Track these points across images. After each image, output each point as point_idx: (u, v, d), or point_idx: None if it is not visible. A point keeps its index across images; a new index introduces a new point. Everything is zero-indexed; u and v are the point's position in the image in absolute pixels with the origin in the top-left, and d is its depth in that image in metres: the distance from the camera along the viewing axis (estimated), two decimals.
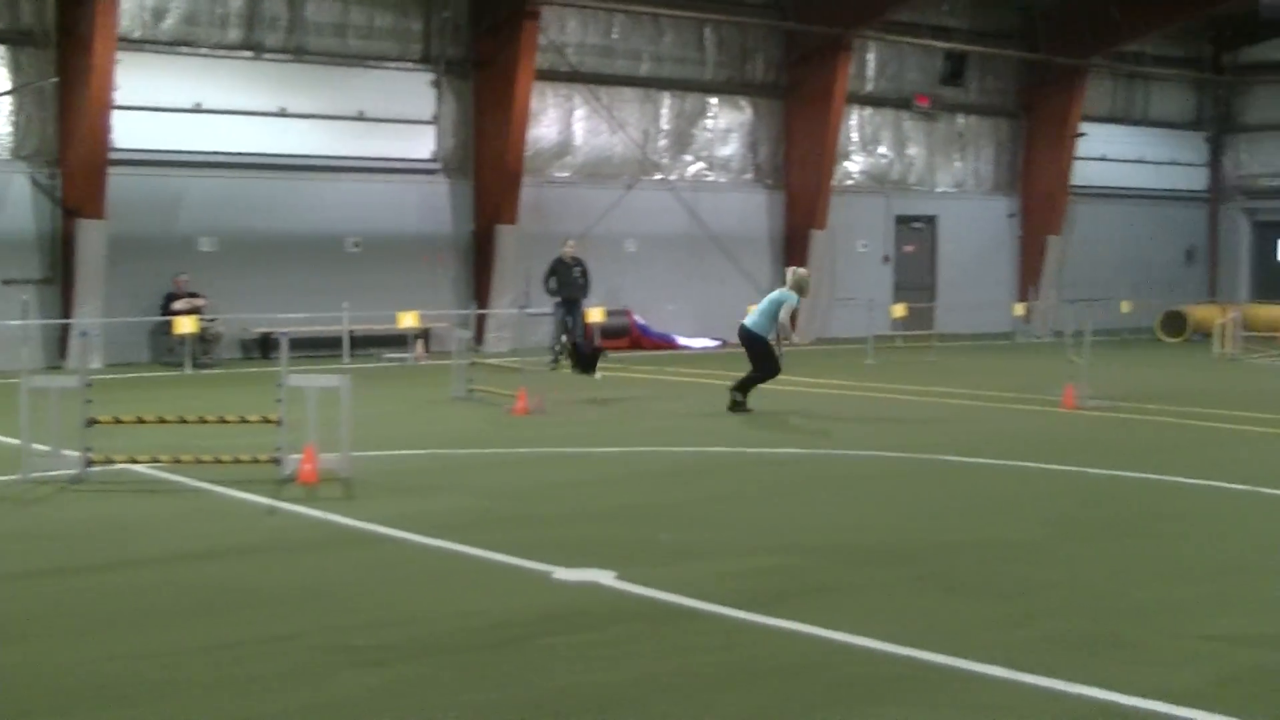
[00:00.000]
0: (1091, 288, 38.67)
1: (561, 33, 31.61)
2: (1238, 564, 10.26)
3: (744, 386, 19.43)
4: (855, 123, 36.35)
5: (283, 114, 28.31)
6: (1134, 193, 42.03)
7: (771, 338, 19.56)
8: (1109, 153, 41.11)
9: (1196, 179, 44.13)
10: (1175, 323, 37.16)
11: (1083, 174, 39.89)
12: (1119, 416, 19.36)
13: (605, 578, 9.36)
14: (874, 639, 7.93)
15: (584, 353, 22.33)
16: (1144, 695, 6.97)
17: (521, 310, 27.15)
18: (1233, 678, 7.38)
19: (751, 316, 19.79)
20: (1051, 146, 38.90)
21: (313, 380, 13.86)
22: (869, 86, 36.66)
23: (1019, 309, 36.05)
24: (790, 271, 20.26)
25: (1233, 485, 13.65)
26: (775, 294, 19.77)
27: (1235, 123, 44.10)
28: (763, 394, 19.65)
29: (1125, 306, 36.25)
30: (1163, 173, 42.98)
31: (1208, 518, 12.18)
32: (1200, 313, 37.24)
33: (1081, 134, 39.18)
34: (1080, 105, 38.87)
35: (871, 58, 36.57)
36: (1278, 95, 43.03)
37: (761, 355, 19.55)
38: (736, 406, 19.26)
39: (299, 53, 28.42)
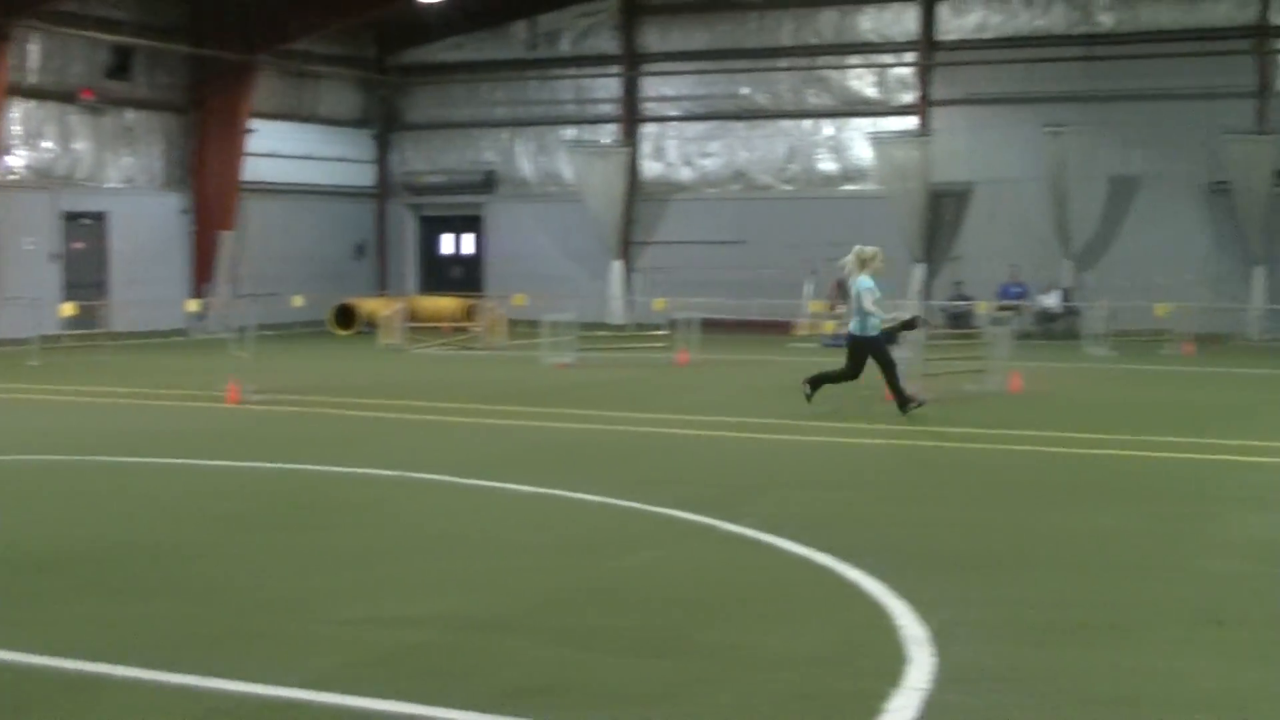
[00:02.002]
0: (265, 283, 39.04)
1: None
2: (384, 548, 10.71)
3: (896, 392, 18.49)
4: (18, 116, 34.97)
5: None
6: (305, 189, 42.71)
7: (880, 327, 18.64)
8: (280, 149, 41.57)
9: (365, 175, 45.41)
10: (346, 316, 38.14)
11: (254, 170, 40.12)
12: (283, 410, 19.73)
13: None
14: (23, 651, 7.74)
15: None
16: (281, 684, 7.18)
17: None
18: (371, 660, 7.70)
19: (852, 322, 18.76)
20: (222, 142, 38.92)
21: None
22: (32, 78, 35.35)
23: (193, 305, 35.91)
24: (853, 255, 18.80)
25: (386, 472, 14.23)
26: (854, 289, 18.61)
27: (400, 121, 45.70)
28: None
29: (298, 301, 36.80)
30: (333, 169, 43.95)
31: (362, 505, 12.63)
32: (369, 305, 38.44)
33: (252, 130, 39.45)
34: (249, 102, 39.12)
35: (34, 49, 35.27)
36: (437, 95, 44.94)
37: (877, 354, 18.57)
38: (908, 406, 18.36)
39: None
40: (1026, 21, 38.42)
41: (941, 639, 8.07)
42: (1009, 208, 38.22)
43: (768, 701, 7.07)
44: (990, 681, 7.39)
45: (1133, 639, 8.29)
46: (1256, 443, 16.66)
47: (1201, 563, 10.41)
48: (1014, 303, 34.99)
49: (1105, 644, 8.13)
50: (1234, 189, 35.86)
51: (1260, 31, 36.48)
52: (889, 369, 18.63)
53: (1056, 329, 35.92)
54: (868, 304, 18.26)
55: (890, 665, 7.60)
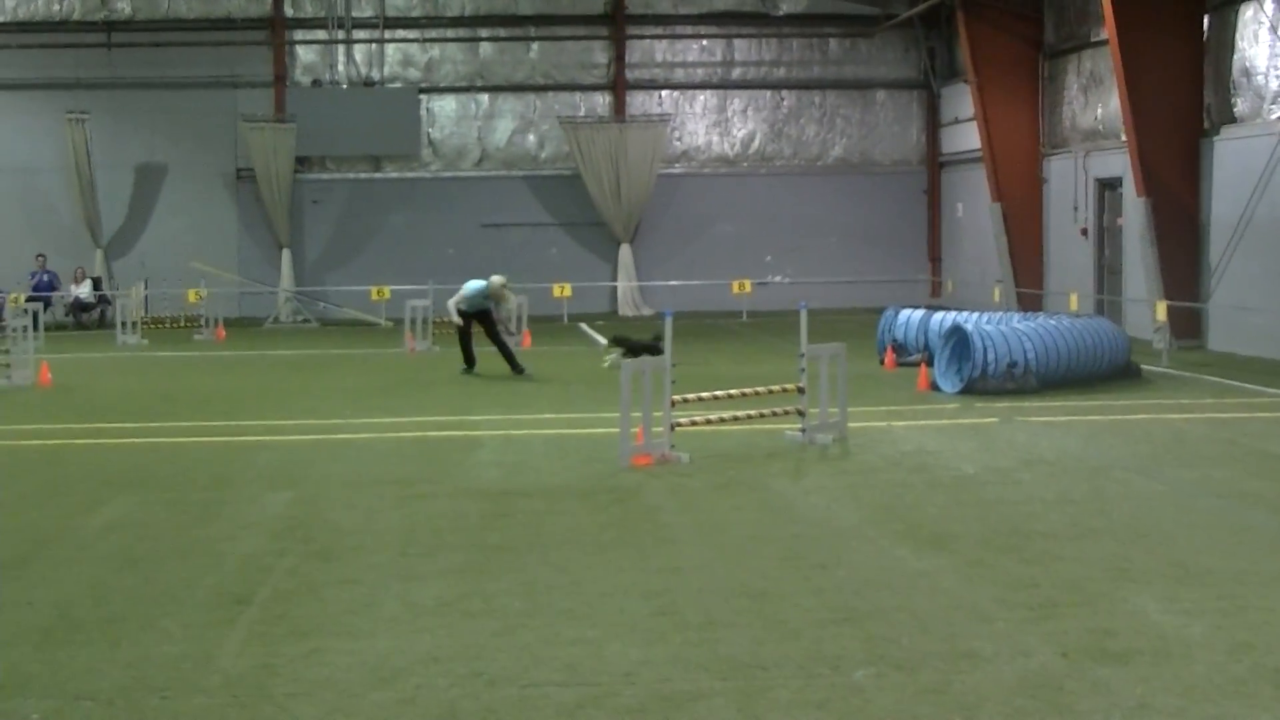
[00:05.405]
0: None
1: None
2: None
3: (509, 361, 22.57)
4: None
5: None
6: None
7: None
8: None
9: None
10: None
11: None
12: None
13: None
14: None
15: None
16: None
17: None
18: None
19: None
20: None
21: None
22: None
23: None
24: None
25: None
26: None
27: None
28: None
29: None
30: None
31: None
32: None
33: None
34: None
35: None
36: None
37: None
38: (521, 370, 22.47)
39: None
40: (44, 6, 37.59)
41: None
42: (34, 197, 37.41)
43: None
44: None
45: (153, 628, 8.39)
46: (272, 422, 17.31)
47: (223, 545, 10.64)
48: (45, 294, 34.29)
49: (118, 637, 8.20)
50: (258, 176, 36.91)
51: (275, 23, 37.66)
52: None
53: (90, 319, 35.50)
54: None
55: None
